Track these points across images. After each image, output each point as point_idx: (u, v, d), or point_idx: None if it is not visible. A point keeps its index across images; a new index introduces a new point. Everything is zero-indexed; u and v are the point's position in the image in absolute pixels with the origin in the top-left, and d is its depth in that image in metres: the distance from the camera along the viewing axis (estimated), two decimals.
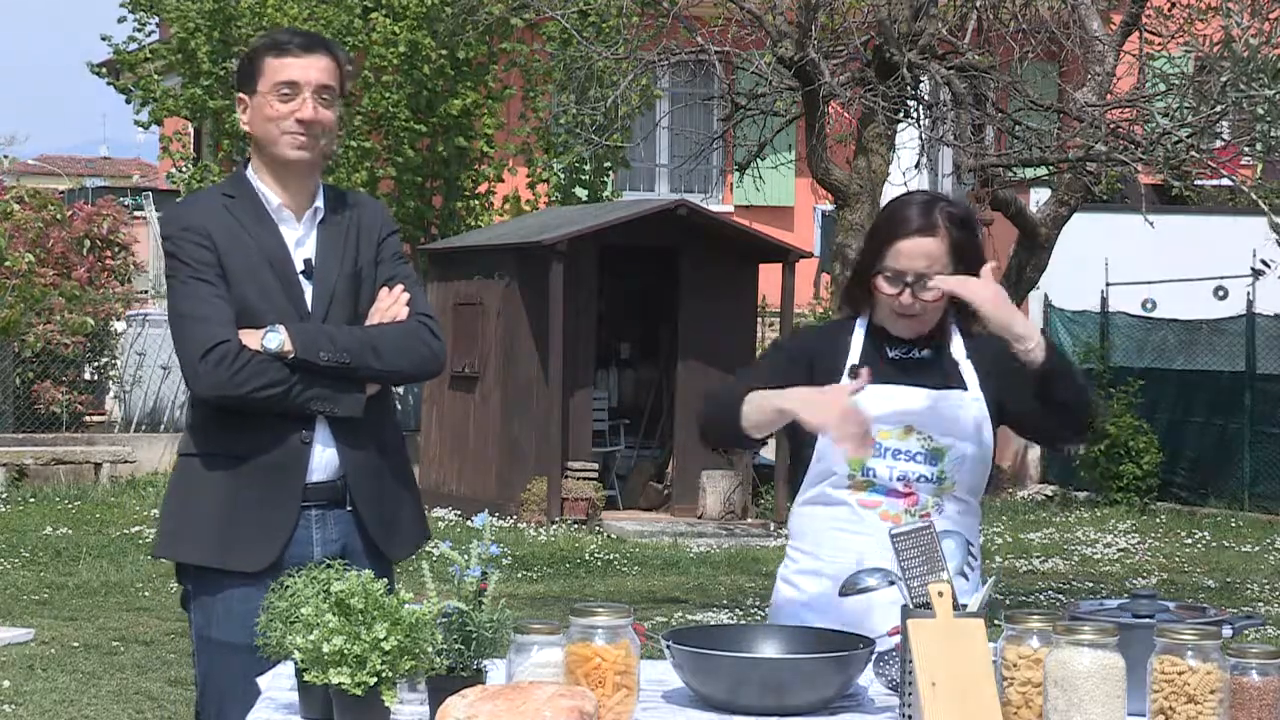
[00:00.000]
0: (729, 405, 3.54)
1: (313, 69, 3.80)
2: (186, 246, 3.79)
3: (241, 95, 3.88)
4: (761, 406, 3.49)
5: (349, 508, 3.82)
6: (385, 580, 2.94)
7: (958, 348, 3.64)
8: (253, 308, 3.76)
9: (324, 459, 3.79)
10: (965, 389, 3.60)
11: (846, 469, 3.58)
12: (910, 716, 2.90)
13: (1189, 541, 14.81)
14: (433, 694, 2.90)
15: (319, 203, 3.88)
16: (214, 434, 3.82)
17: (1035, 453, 18.60)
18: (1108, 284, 18.39)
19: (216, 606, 3.77)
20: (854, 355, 3.62)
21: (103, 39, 20.10)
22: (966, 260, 3.56)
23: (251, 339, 3.70)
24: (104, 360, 18.48)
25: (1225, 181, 11.04)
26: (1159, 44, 9.64)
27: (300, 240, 3.83)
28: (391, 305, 3.85)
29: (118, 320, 18.51)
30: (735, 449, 3.93)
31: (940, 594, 2.90)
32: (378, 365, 3.78)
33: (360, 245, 3.87)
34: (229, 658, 3.66)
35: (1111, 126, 8.73)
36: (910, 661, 2.87)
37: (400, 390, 12.30)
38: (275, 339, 3.69)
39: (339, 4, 18.12)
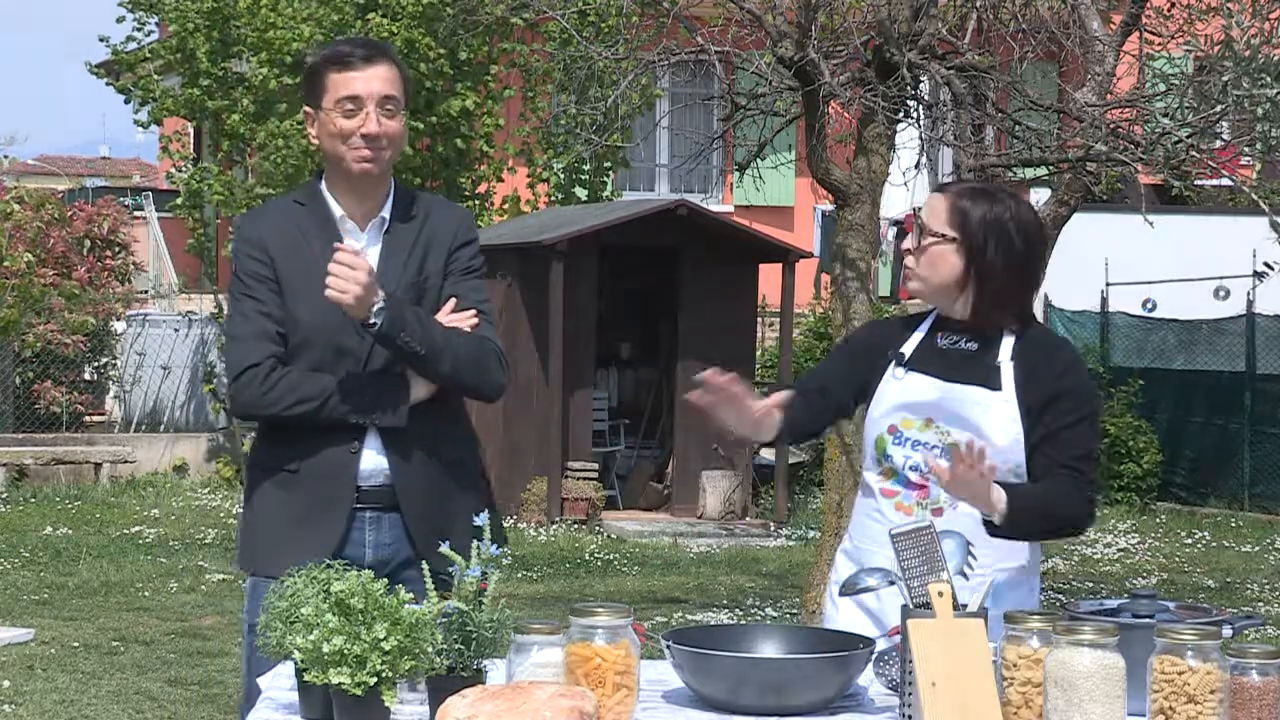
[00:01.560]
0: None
1: (375, 80, 3.80)
2: (242, 260, 3.85)
3: (308, 109, 3.90)
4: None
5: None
6: (385, 583, 2.93)
7: (1006, 347, 3.64)
8: (306, 320, 3.78)
9: (376, 465, 3.80)
10: (998, 389, 3.60)
11: (872, 449, 3.68)
12: (910, 716, 2.90)
13: (1189, 541, 14.81)
14: (433, 694, 2.90)
15: (385, 212, 3.88)
16: (270, 447, 3.88)
17: None
18: (1108, 284, 18.40)
19: (260, 597, 3.81)
20: (913, 343, 3.72)
21: (100, 40, 20.11)
22: (969, 246, 3.61)
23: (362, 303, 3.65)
24: (104, 360, 18.47)
25: (1225, 181, 11.03)
26: (1159, 44, 9.62)
27: (363, 251, 3.81)
28: (454, 319, 3.82)
29: (118, 320, 18.50)
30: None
31: (940, 594, 2.91)
32: (445, 370, 3.77)
33: (429, 254, 3.86)
34: None
35: (1111, 126, 8.72)
36: (910, 661, 2.87)
37: None
38: (379, 307, 3.66)
39: (332, 4, 18.11)
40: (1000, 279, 3.62)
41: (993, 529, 3.49)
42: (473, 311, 3.85)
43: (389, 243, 3.85)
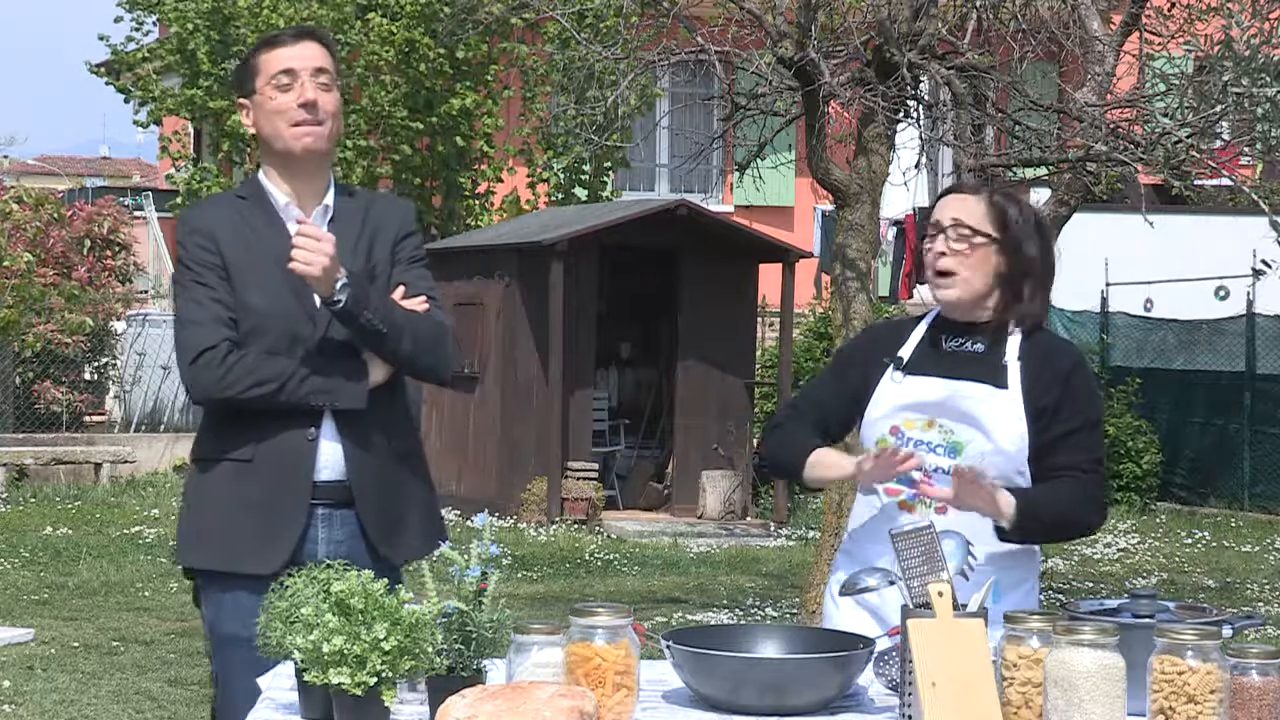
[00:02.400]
0: (794, 455, 3.74)
1: (306, 54, 3.80)
2: (190, 249, 3.80)
3: (242, 100, 3.87)
4: (824, 465, 3.70)
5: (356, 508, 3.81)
6: (385, 583, 2.93)
7: (1013, 347, 3.68)
8: (259, 308, 3.75)
9: (332, 456, 3.76)
10: (1004, 387, 3.62)
11: (874, 451, 3.66)
12: (910, 716, 2.90)
13: (1189, 541, 14.81)
14: (433, 694, 2.90)
15: (329, 200, 3.86)
16: (220, 437, 3.81)
17: None
18: (1108, 284, 18.39)
19: (226, 602, 3.77)
20: (910, 346, 3.72)
21: (100, 39, 20.11)
22: (1011, 245, 3.65)
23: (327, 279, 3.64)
24: (104, 360, 18.48)
25: (1225, 181, 11.03)
26: (1159, 44, 9.62)
27: None
28: (406, 304, 3.82)
29: (118, 320, 18.50)
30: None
31: (940, 594, 2.90)
32: (405, 350, 3.75)
33: (375, 244, 3.84)
34: (240, 652, 3.63)
35: (1111, 126, 8.72)
36: (910, 661, 2.87)
37: None
38: (343, 283, 3.65)
39: (332, 3, 18.11)
40: (1039, 274, 3.70)
41: (1003, 534, 3.51)
42: (424, 297, 3.84)
43: (335, 230, 3.81)
